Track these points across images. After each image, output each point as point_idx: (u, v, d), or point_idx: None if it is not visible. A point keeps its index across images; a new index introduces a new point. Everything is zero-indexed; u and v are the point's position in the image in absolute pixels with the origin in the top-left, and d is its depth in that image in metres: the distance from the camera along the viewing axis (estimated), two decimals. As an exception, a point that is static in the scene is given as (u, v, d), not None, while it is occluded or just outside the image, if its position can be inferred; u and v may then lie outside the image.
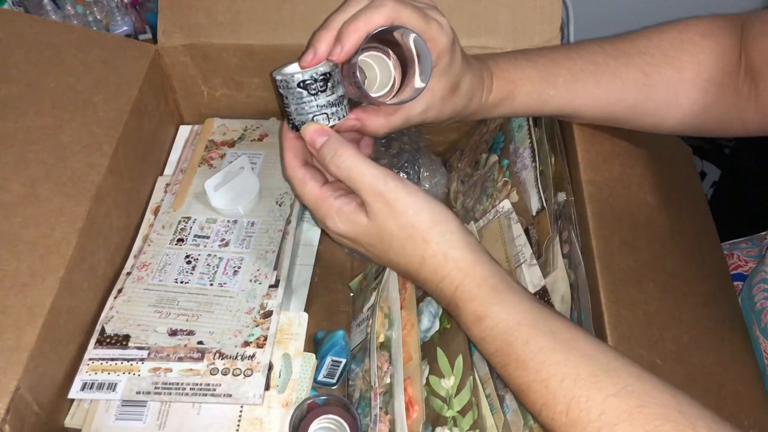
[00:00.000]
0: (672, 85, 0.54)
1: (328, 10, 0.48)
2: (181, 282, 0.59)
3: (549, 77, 0.54)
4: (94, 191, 0.54)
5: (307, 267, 0.67)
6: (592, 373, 0.38)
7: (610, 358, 0.39)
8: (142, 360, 0.53)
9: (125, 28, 0.86)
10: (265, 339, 0.55)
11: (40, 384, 0.48)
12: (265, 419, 0.53)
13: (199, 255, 0.61)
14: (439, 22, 0.47)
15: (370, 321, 0.59)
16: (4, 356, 0.45)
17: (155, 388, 0.52)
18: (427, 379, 0.51)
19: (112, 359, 0.54)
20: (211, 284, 0.59)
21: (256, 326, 0.56)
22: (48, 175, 0.54)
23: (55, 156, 0.55)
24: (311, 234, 0.69)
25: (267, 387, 0.53)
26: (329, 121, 0.47)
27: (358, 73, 0.46)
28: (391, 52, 0.49)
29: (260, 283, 0.59)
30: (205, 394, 0.52)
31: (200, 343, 0.55)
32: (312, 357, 0.58)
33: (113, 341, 0.55)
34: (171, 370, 0.53)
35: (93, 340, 0.55)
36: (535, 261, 0.52)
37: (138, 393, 0.52)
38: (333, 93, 0.47)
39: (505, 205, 0.58)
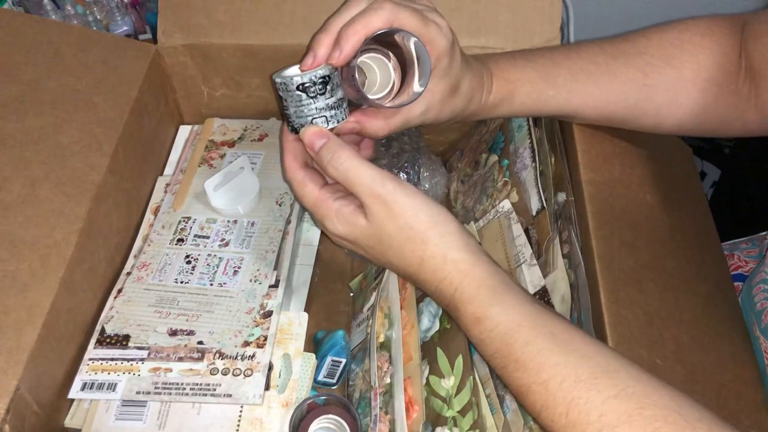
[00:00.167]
0: (672, 85, 0.54)
1: (328, 10, 0.48)
2: (181, 282, 0.59)
3: (548, 77, 0.54)
4: (94, 191, 0.55)
5: (307, 267, 0.67)
6: (592, 375, 0.38)
7: (610, 360, 0.39)
8: (142, 360, 0.54)
9: (125, 28, 0.86)
10: (265, 339, 0.55)
11: (40, 384, 0.48)
12: (265, 419, 0.53)
13: (199, 255, 0.61)
14: (438, 24, 0.47)
15: (370, 321, 0.59)
16: (4, 356, 0.46)
17: (155, 388, 0.52)
18: (427, 379, 0.51)
19: (112, 359, 0.54)
20: (211, 284, 0.59)
21: (256, 326, 0.56)
22: (48, 175, 0.54)
23: (55, 156, 0.56)
24: (311, 234, 0.69)
25: (267, 387, 0.53)
26: (328, 124, 0.47)
27: (357, 76, 0.46)
28: (391, 53, 0.49)
29: (260, 283, 0.59)
30: (205, 394, 0.52)
31: (200, 343, 0.55)
32: (312, 357, 0.58)
33: (113, 341, 0.55)
34: (171, 370, 0.53)
35: (93, 340, 0.55)
36: (535, 261, 0.52)
37: (138, 393, 0.52)
38: (332, 96, 0.46)
39: (505, 205, 0.58)
